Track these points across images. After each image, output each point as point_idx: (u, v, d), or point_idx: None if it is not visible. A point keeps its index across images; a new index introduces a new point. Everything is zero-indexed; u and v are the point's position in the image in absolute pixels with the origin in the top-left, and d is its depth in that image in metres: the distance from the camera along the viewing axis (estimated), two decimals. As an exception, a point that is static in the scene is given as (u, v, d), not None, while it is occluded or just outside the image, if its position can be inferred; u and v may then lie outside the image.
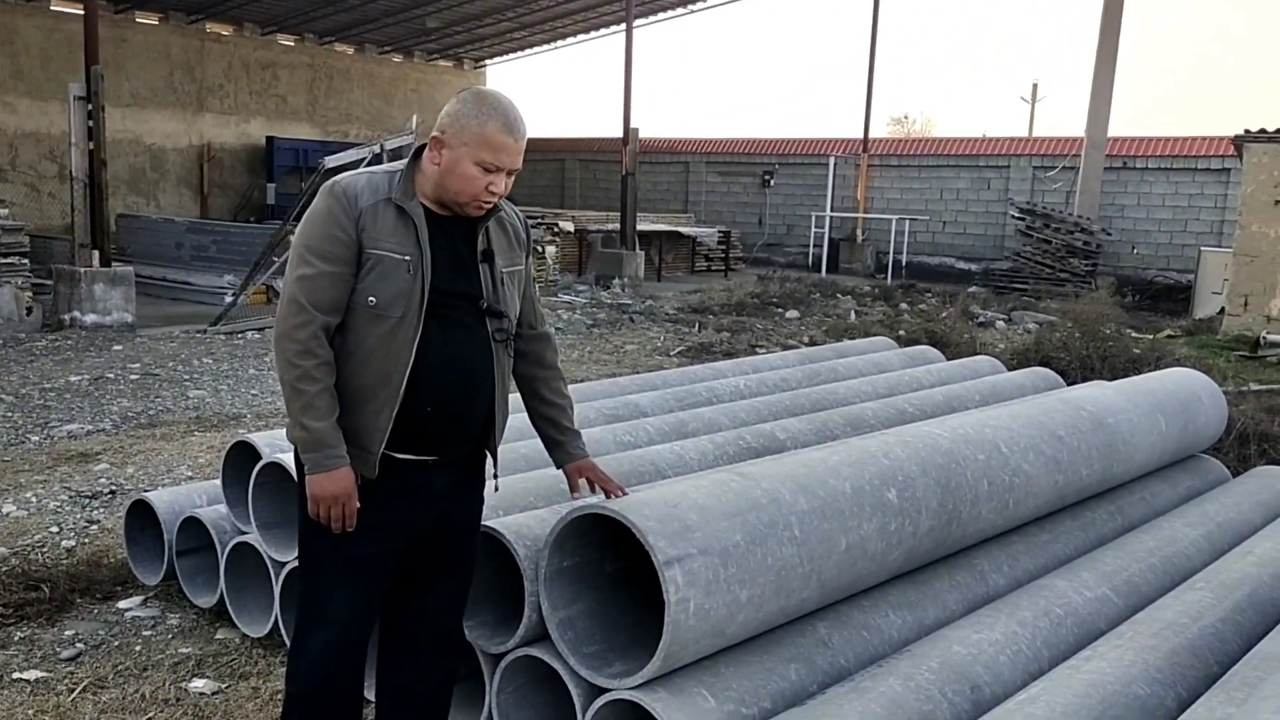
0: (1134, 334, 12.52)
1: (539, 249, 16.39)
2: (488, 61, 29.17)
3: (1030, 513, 3.86)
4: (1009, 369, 6.26)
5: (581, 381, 5.55)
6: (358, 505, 2.24)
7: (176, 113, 22.38)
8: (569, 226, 17.83)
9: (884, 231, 21.96)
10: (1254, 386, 7.77)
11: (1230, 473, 5.34)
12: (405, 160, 2.35)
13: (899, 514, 3.13)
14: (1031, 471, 3.75)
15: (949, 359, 6.42)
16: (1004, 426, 3.84)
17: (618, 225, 17.42)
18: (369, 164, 9.45)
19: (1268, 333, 11.76)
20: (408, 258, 2.20)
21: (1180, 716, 2.40)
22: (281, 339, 2.19)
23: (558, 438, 2.63)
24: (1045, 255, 18.62)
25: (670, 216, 22.12)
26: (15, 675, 3.43)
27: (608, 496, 2.58)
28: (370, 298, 2.18)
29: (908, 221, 21.92)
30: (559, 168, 28.21)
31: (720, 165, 25.63)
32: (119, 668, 3.50)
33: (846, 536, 2.94)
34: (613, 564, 2.88)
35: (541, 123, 26.22)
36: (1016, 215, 19.36)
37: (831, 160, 23.26)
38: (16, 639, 3.70)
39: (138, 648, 3.67)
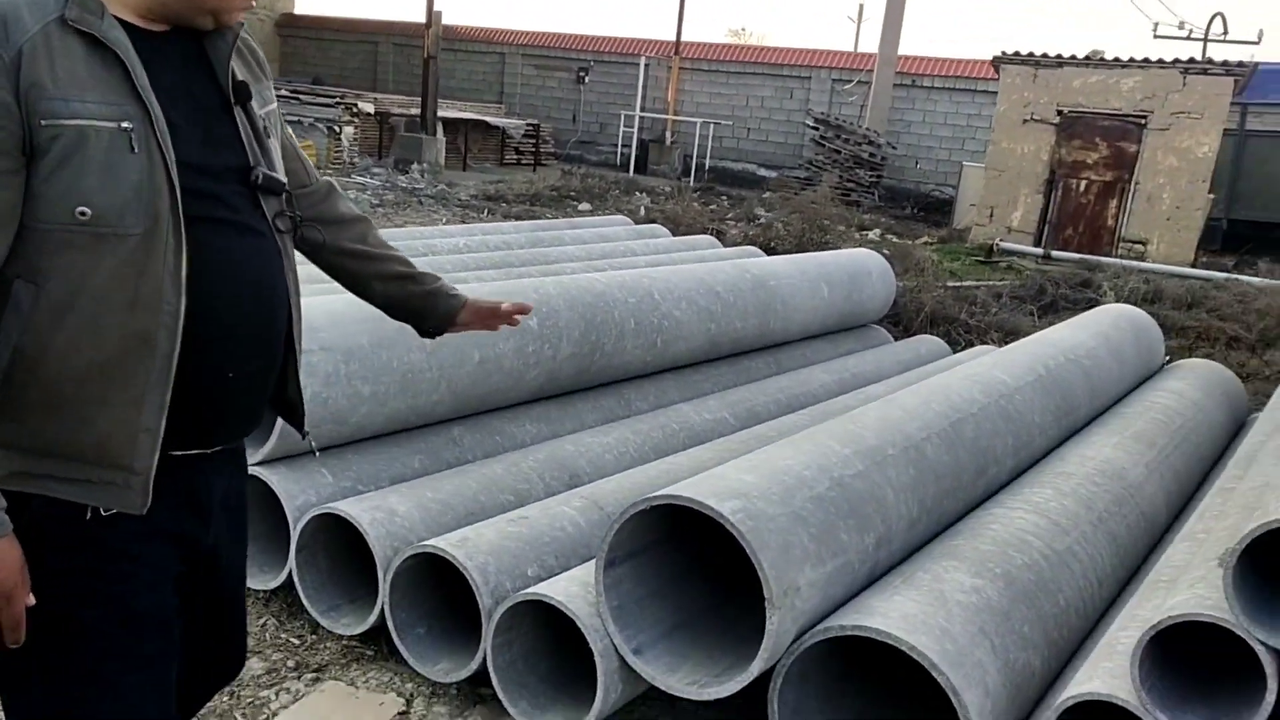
0: (894, 239, 13.58)
1: (335, 129, 16.08)
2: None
3: (683, 355, 4.42)
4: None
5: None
6: (28, 605, 1.34)
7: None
8: (369, 108, 17.51)
9: (692, 135, 22.49)
10: (951, 283, 8.72)
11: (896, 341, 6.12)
12: None
13: (539, 338, 3.59)
14: (682, 318, 4.29)
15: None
16: (662, 278, 4.35)
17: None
18: None
19: (1001, 240, 12.97)
20: (125, 124, 1.31)
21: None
22: None
23: (422, 289, 1.83)
24: (835, 165, 19.60)
25: (481, 106, 21.94)
26: None
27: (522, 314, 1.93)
28: (80, 208, 1.29)
29: (713, 126, 22.51)
30: (372, 50, 27.33)
31: (536, 58, 25.45)
32: None
33: (480, 351, 3.37)
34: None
35: (356, 3, 25.18)
36: (811, 125, 20.23)
37: (644, 61, 23.50)
38: None
39: None
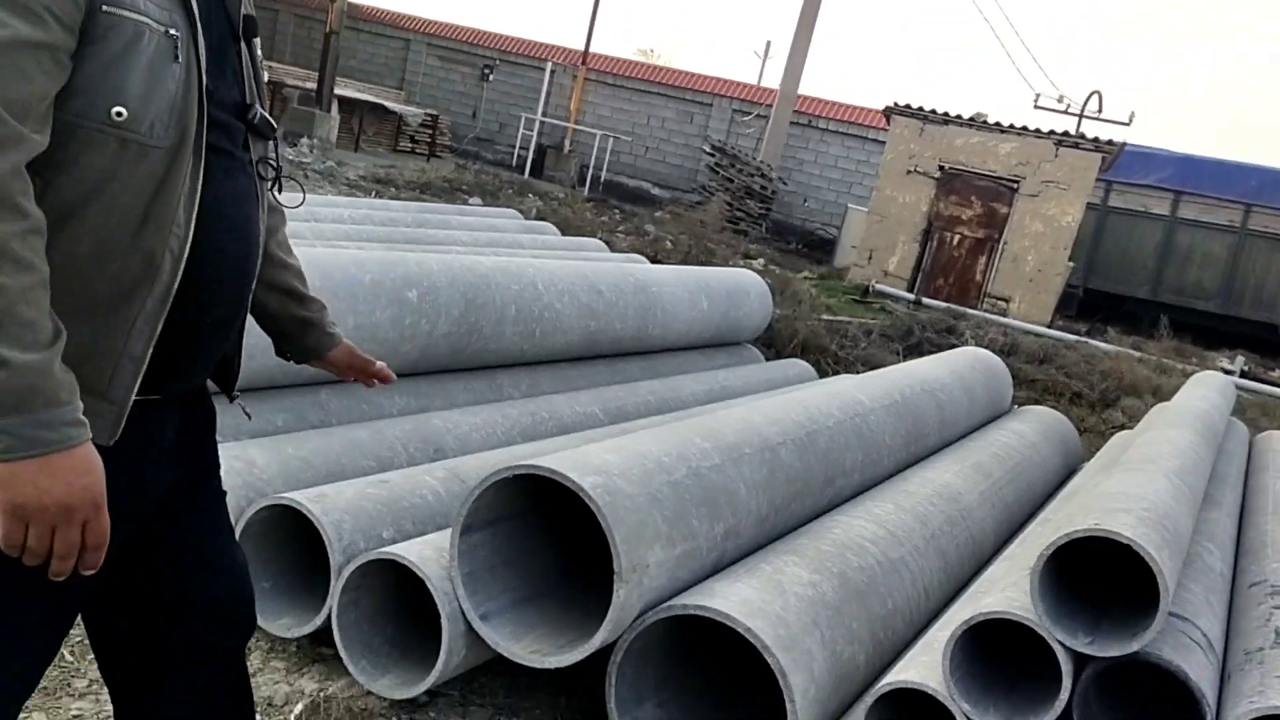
0: (777, 270, 13.95)
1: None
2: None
3: (561, 349, 4.48)
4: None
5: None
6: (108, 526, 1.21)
7: None
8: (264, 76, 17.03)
9: (591, 146, 22.61)
10: (826, 316, 9.05)
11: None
12: None
13: (416, 311, 3.59)
14: (563, 310, 4.35)
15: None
16: (547, 270, 4.41)
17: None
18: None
19: (876, 282, 13.49)
20: (173, 30, 1.23)
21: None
22: None
23: (300, 314, 1.70)
24: (727, 193, 20.01)
25: (380, 90, 21.59)
26: None
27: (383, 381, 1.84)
28: (117, 108, 1.18)
29: (612, 140, 22.70)
30: (272, 19, 26.56)
31: (441, 49, 25.21)
32: None
33: (355, 318, 3.36)
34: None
35: (258, -35, 24.51)
36: (709, 151, 20.61)
37: (550, 66, 23.55)
38: None
39: None
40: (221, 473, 2.56)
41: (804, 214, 21.63)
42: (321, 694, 2.44)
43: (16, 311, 1.07)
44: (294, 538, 2.71)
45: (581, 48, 23.73)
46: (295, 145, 15.56)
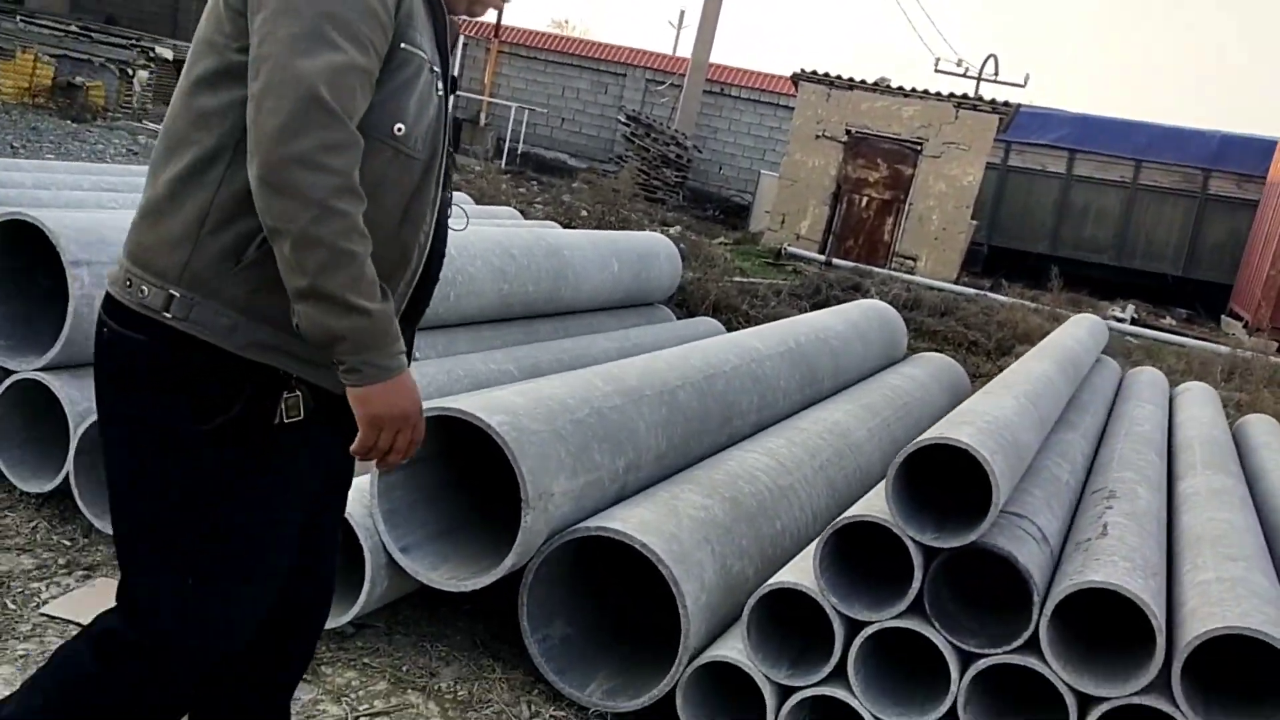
0: (692, 236, 14.22)
1: (129, 71, 15.26)
2: None
3: (475, 311, 4.66)
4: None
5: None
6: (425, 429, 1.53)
7: None
8: (167, 54, 16.67)
9: (507, 119, 22.60)
10: (739, 279, 9.36)
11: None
12: None
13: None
14: (476, 274, 4.53)
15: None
16: (459, 235, 4.56)
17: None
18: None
19: (789, 245, 13.87)
20: (435, 68, 1.50)
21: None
22: (300, 168, 1.31)
23: None
24: (643, 163, 20.21)
25: (290, 66, 21.26)
26: None
27: None
28: (398, 125, 1.44)
29: (528, 112, 22.70)
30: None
31: (352, 24, 24.86)
32: None
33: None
34: (47, 280, 3.26)
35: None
36: (624, 121, 20.76)
37: (462, 40, 23.41)
38: None
39: None
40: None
41: (720, 181, 21.95)
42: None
43: (368, 272, 1.36)
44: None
45: (492, 20, 23.61)
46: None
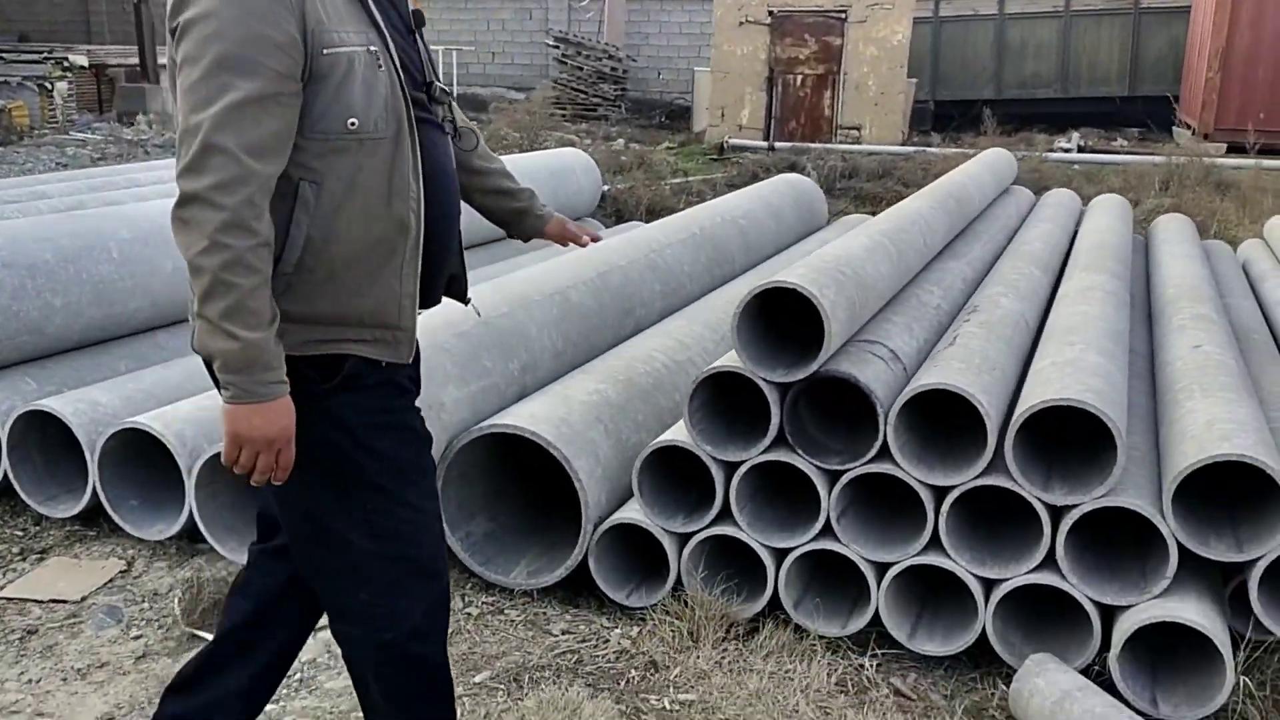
0: (637, 147, 14.22)
1: (47, 86, 15.11)
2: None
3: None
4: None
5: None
6: (294, 456, 1.61)
7: None
8: (82, 61, 16.48)
9: (436, 63, 22.32)
10: (674, 180, 9.45)
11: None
12: None
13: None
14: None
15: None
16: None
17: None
18: None
19: (730, 138, 13.86)
20: (372, 48, 1.60)
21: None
22: (195, 205, 1.47)
23: (514, 205, 2.14)
24: (580, 82, 20.04)
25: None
26: None
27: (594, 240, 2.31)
28: (350, 119, 1.57)
29: (455, 53, 22.41)
30: (81, 0, 25.37)
31: (265, -4, 24.39)
32: None
33: (174, 262, 3.66)
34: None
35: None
36: (552, 44, 20.52)
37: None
38: None
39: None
40: (69, 414, 2.91)
41: (659, 87, 21.76)
42: (198, 578, 2.83)
43: (246, 304, 1.47)
44: (151, 458, 3.06)
45: (404, -35, 23.17)
46: (132, 124, 15.22)
